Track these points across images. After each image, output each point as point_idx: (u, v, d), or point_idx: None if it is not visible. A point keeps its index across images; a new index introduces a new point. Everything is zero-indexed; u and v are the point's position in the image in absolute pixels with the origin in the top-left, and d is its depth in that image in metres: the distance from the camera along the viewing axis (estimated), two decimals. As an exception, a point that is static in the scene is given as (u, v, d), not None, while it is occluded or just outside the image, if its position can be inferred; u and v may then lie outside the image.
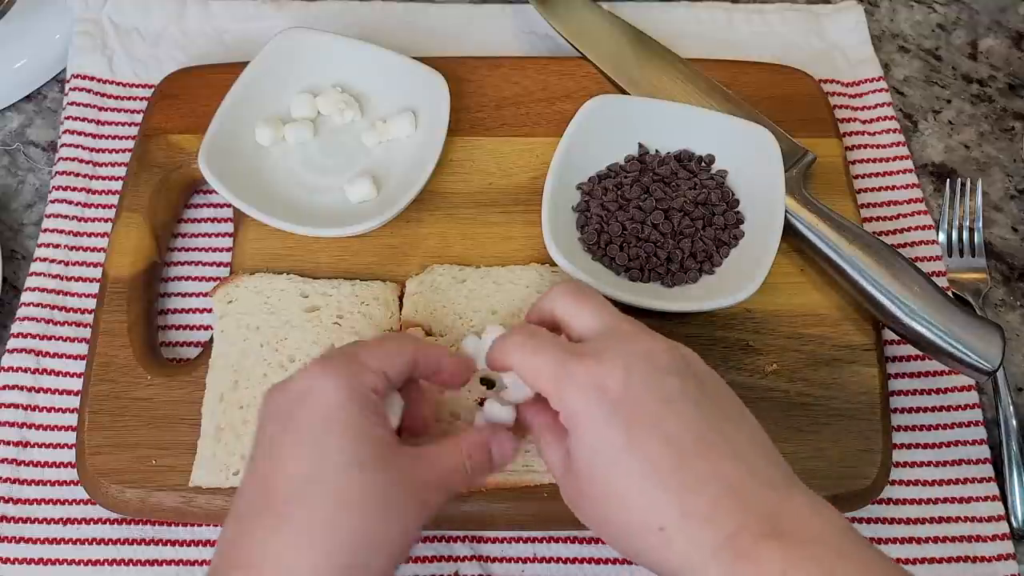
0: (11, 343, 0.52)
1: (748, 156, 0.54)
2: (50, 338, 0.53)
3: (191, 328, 0.54)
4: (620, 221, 0.52)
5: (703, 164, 0.55)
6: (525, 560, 0.48)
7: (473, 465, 0.40)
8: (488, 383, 0.48)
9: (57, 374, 0.52)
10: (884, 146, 0.61)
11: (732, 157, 0.55)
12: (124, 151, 0.59)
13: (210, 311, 0.54)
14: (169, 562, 0.48)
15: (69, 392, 0.51)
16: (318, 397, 0.37)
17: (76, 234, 0.56)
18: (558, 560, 0.48)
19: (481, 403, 0.44)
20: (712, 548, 0.34)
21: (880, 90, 0.63)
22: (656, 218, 0.52)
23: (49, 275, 0.54)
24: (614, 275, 0.52)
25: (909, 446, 0.51)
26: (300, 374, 0.38)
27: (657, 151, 0.55)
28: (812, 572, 0.32)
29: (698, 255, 0.52)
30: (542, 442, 0.40)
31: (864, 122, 0.62)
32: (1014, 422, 0.52)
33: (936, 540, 0.49)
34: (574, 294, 0.41)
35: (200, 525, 0.48)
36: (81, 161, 0.59)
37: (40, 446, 0.50)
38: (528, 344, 0.39)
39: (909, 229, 0.58)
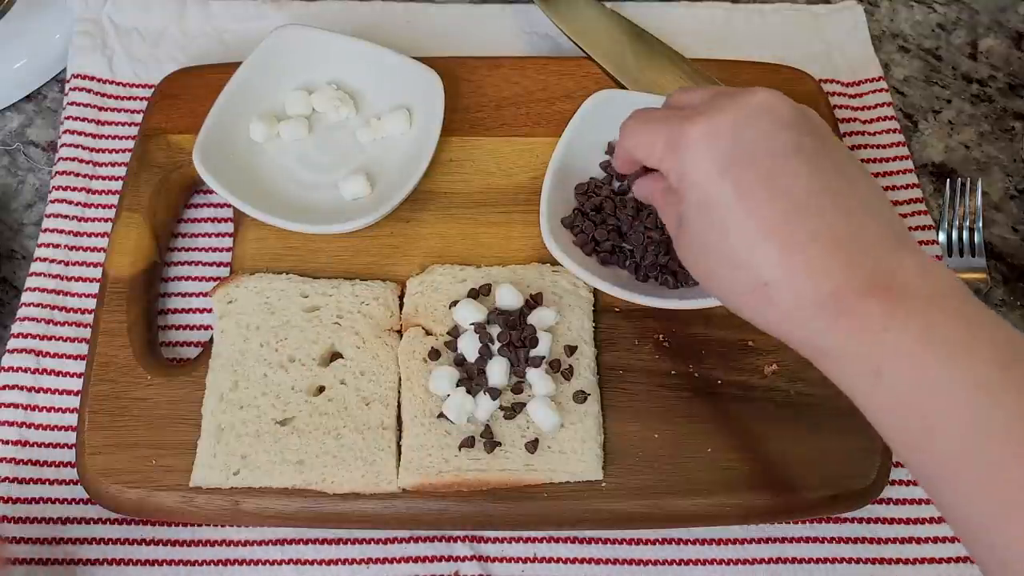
0: (11, 343, 0.52)
1: (748, 156, 0.54)
2: (50, 338, 0.53)
3: (191, 328, 0.54)
4: (619, 220, 0.52)
5: (703, 164, 0.55)
6: (525, 560, 0.48)
7: None
8: (492, 392, 0.47)
9: (57, 374, 0.52)
10: (884, 146, 0.61)
11: (732, 157, 0.55)
12: (124, 151, 0.59)
13: (210, 311, 0.54)
14: (169, 562, 0.48)
15: (69, 392, 0.51)
16: None
17: (76, 234, 0.56)
18: (558, 560, 0.48)
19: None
20: (814, 304, 0.33)
21: (880, 90, 0.63)
22: (656, 217, 0.52)
23: (49, 275, 0.54)
24: (614, 274, 0.52)
25: (909, 446, 0.51)
26: None
27: (657, 151, 0.55)
28: (912, 327, 0.32)
29: (698, 255, 0.52)
30: (658, 205, 0.41)
31: (864, 122, 0.62)
32: (1014, 422, 0.52)
33: (936, 540, 0.49)
34: (638, 121, 0.41)
35: (200, 525, 0.48)
36: (81, 161, 0.59)
37: (40, 446, 0.50)
38: (638, 120, 0.40)
39: (909, 229, 0.58)
